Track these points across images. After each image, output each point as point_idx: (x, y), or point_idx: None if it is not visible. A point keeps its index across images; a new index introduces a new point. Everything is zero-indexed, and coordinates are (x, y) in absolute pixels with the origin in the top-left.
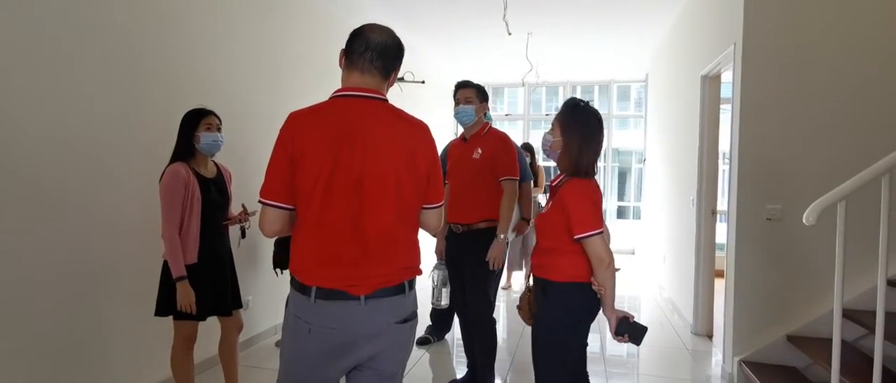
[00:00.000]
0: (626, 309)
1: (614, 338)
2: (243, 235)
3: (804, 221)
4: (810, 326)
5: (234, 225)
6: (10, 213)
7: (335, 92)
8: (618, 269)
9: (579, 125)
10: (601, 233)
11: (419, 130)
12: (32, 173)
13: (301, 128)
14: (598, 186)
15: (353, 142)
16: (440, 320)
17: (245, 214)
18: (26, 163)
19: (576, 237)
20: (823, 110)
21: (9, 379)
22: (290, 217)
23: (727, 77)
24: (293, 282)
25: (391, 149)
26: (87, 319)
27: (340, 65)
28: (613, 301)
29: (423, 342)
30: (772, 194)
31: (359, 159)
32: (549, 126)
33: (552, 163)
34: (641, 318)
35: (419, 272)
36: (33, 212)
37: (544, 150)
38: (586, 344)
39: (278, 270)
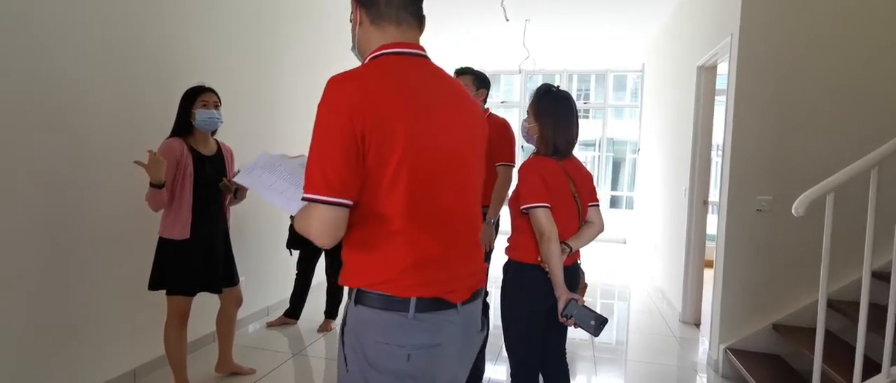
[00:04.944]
0: (581, 298)
1: (560, 319)
2: (236, 194)
3: (793, 212)
4: (796, 315)
5: (231, 187)
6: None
7: (379, 50)
8: (568, 249)
9: (551, 109)
10: (546, 207)
11: (470, 97)
12: (22, 152)
13: (369, 97)
14: (563, 166)
15: (427, 113)
16: None
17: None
18: (16, 143)
19: (521, 208)
20: (817, 103)
21: (1, 358)
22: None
23: (723, 69)
24: (370, 298)
25: (460, 120)
26: (80, 297)
27: (358, 22)
28: (560, 280)
29: None
30: (763, 186)
31: (437, 135)
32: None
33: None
34: (631, 306)
35: None
36: (26, 191)
37: (523, 136)
38: (541, 335)
39: (291, 250)
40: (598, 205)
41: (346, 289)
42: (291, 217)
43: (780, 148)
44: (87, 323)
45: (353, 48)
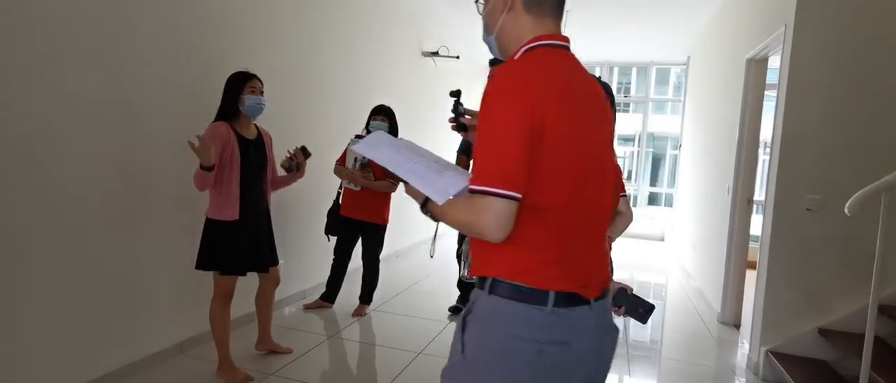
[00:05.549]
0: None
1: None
2: (297, 169)
3: (846, 212)
4: (844, 320)
5: (297, 162)
6: (57, 169)
7: (535, 40)
8: (609, 239)
9: None
10: None
11: (602, 91)
12: (78, 132)
13: (543, 90)
14: None
15: (581, 107)
16: (466, 292)
17: (299, 152)
18: (72, 124)
19: None
20: (874, 98)
21: (51, 326)
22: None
23: (774, 62)
24: (507, 288)
25: (600, 114)
26: (133, 274)
27: (507, 7)
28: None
29: (455, 310)
30: (813, 184)
31: (589, 129)
32: None
33: None
34: (667, 304)
35: None
36: (79, 168)
37: None
38: None
39: (328, 236)
40: (626, 196)
41: (379, 275)
42: (336, 199)
43: (833, 145)
44: (139, 298)
45: (489, 35)
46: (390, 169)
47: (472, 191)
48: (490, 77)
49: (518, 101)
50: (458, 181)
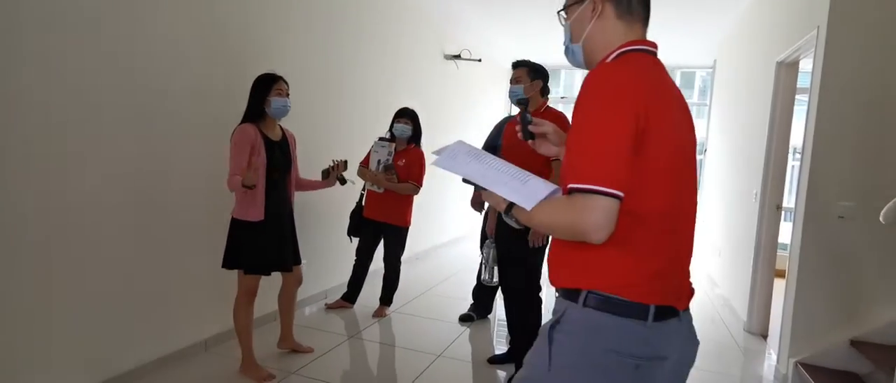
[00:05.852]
0: None
1: None
2: (343, 182)
3: (881, 220)
4: (878, 332)
5: (336, 175)
6: (77, 170)
7: (627, 45)
8: None
9: None
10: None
11: None
12: (106, 134)
13: (646, 92)
14: None
15: (676, 112)
16: (482, 300)
17: (342, 164)
18: (100, 125)
19: None
20: None
21: (78, 324)
22: None
23: (806, 65)
24: (606, 302)
25: (690, 121)
26: (160, 273)
27: (596, 14)
28: None
29: (465, 319)
30: (846, 191)
31: (683, 134)
32: None
33: None
34: (691, 312)
35: None
36: (100, 168)
37: None
38: None
39: (351, 237)
40: None
41: (400, 277)
42: (359, 201)
43: (867, 150)
44: (166, 297)
45: (574, 43)
46: (473, 180)
47: (573, 191)
48: (512, 81)
49: (624, 102)
50: (544, 187)
